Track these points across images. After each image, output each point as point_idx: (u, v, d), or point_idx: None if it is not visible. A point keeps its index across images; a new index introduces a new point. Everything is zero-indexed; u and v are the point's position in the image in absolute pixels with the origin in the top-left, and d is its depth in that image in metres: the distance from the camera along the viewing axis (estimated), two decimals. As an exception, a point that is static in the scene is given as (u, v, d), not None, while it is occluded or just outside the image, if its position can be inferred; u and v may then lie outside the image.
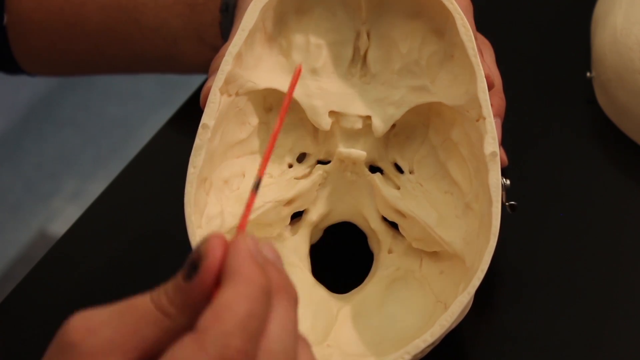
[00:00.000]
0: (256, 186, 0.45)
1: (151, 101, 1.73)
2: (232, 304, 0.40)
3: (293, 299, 0.42)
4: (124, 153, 1.63)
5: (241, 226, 0.44)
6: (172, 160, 0.72)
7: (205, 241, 0.42)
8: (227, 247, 0.42)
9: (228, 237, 0.42)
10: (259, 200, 0.63)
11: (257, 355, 0.40)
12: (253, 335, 0.40)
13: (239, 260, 0.41)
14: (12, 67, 0.79)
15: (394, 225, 0.65)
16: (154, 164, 0.76)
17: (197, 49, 0.73)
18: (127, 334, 0.41)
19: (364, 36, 0.65)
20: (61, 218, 1.62)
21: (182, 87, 1.27)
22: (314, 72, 0.65)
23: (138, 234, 0.71)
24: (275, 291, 0.42)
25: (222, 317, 0.40)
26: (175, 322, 0.41)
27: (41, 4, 0.74)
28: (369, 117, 0.64)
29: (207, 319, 0.40)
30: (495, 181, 0.58)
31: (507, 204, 0.60)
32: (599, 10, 0.75)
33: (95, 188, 1.47)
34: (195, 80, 0.79)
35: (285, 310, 0.42)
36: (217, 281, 0.41)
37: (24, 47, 0.77)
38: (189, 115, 0.70)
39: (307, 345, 0.43)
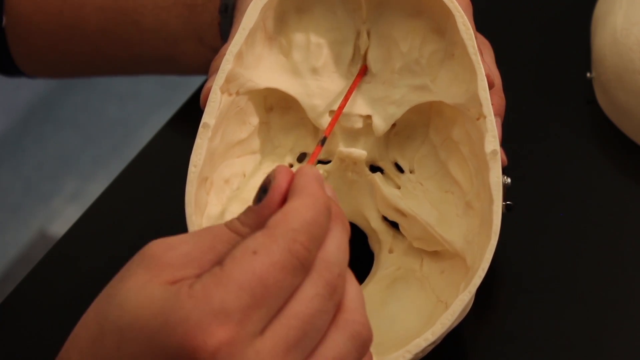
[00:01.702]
0: (322, 142, 0.53)
1: (151, 101, 1.73)
2: (299, 209, 0.45)
3: (347, 228, 0.47)
4: (124, 153, 1.62)
5: (310, 160, 0.51)
6: (172, 160, 0.72)
7: (273, 170, 0.46)
8: (293, 174, 0.46)
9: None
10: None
11: (314, 262, 0.45)
12: (315, 239, 0.45)
13: (306, 180, 0.46)
14: (11, 69, 0.79)
15: (394, 225, 0.65)
16: (154, 164, 0.76)
17: (197, 50, 0.73)
18: (203, 250, 0.45)
19: (364, 35, 0.65)
20: (61, 218, 1.62)
21: (182, 87, 1.27)
22: (315, 71, 0.65)
23: (138, 234, 0.71)
24: (334, 215, 0.46)
25: (290, 218, 0.44)
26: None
27: (40, 5, 0.74)
28: (369, 117, 0.64)
29: (277, 218, 0.45)
30: (496, 179, 0.58)
31: (503, 203, 0.60)
32: (599, 10, 0.75)
33: (95, 188, 1.47)
34: (195, 80, 0.79)
35: (340, 233, 0.46)
36: (284, 201, 0.46)
37: (23, 49, 0.77)
38: (189, 115, 0.70)
39: (351, 273, 0.47)
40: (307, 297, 0.44)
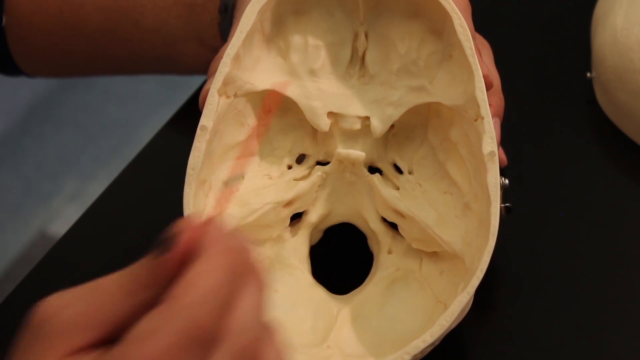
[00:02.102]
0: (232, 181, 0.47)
1: (151, 102, 1.73)
2: (199, 278, 0.41)
3: (260, 284, 0.43)
4: (124, 153, 1.63)
5: (217, 209, 0.45)
6: (172, 160, 0.72)
7: (177, 222, 0.42)
8: (198, 228, 0.42)
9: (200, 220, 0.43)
10: (258, 202, 0.63)
11: (226, 330, 0.41)
12: (220, 307, 0.41)
13: (212, 238, 0.42)
14: (11, 68, 0.79)
15: (393, 226, 0.65)
16: (154, 164, 0.76)
17: (197, 50, 0.73)
18: (99, 307, 0.41)
19: (362, 37, 0.65)
20: (61, 218, 1.62)
21: (182, 87, 1.27)
22: (313, 73, 0.65)
23: (138, 234, 0.71)
24: (244, 274, 0.42)
25: (190, 289, 0.40)
26: (144, 299, 0.42)
27: (40, 5, 0.74)
28: (367, 118, 0.64)
29: (176, 291, 0.40)
30: (494, 181, 0.58)
31: (502, 205, 0.60)
32: (599, 10, 0.75)
33: (95, 188, 1.47)
34: (195, 80, 0.79)
35: (253, 293, 0.42)
36: (186, 260, 0.42)
37: (23, 49, 0.77)
38: (189, 115, 0.70)
39: (272, 332, 0.43)
40: None
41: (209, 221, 0.42)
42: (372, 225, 0.65)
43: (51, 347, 0.40)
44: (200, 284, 0.41)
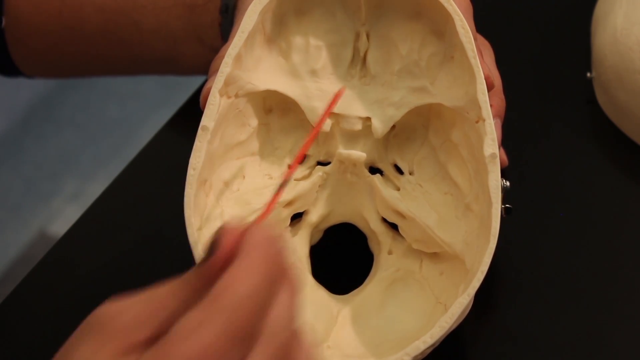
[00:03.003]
0: (282, 185, 0.51)
1: (151, 101, 1.73)
2: (241, 278, 0.43)
3: (296, 290, 0.45)
4: (124, 153, 1.62)
5: (260, 217, 0.48)
6: (172, 160, 0.72)
7: (221, 228, 0.45)
8: (241, 233, 0.45)
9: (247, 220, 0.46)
10: (259, 202, 0.63)
11: (262, 329, 0.43)
12: (259, 307, 0.43)
13: (253, 243, 0.44)
14: (10, 69, 0.79)
15: (394, 227, 0.65)
16: (154, 164, 0.76)
17: (197, 51, 0.73)
18: (154, 310, 0.44)
19: (364, 37, 0.65)
20: (61, 218, 1.62)
21: (182, 87, 1.27)
22: (314, 73, 0.65)
23: (138, 234, 0.71)
24: (279, 278, 0.45)
25: (232, 289, 0.43)
26: (194, 303, 0.44)
27: (39, 6, 0.74)
28: (368, 119, 0.64)
29: (218, 289, 0.43)
30: (495, 182, 0.58)
31: (502, 206, 0.60)
32: (599, 10, 0.75)
33: (95, 188, 1.47)
34: (195, 80, 0.79)
35: (287, 298, 0.45)
36: (228, 264, 0.44)
37: (23, 50, 0.77)
38: (189, 115, 0.70)
39: (302, 334, 0.46)
40: None
41: (250, 227, 0.45)
42: (373, 226, 0.65)
43: (106, 345, 0.43)
44: (241, 284, 0.43)
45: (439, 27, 0.63)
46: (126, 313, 0.44)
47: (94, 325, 0.44)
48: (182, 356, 0.42)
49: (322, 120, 0.61)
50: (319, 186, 0.65)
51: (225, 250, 0.44)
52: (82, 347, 0.43)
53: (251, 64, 0.63)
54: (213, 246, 0.45)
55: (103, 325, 0.43)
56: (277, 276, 0.45)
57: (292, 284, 0.45)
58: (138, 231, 0.71)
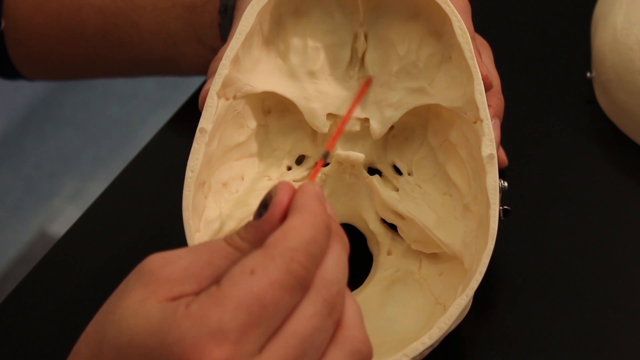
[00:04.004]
0: (324, 156, 0.54)
1: (151, 102, 1.73)
2: (299, 228, 0.45)
3: (346, 246, 0.47)
4: (124, 153, 1.63)
5: (312, 177, 0.51)
6: (172, 160, 0.72)
7: (275, 185, 0.47)
8: (294, 191, 0.47)
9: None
10: (257, 204, 0.63)
11: (313, 280, 0.45)
12: (314, 258, 0.45)
13: (307, 198, 0.46)
14: (10, 72, 0.79)
15: (393, 227, 0.65)
16: (154, 164, 0.76)
17: (196, 51, 0.73)
18: (201, 265, 0.45)
19: (362, 38, 0.65)
20: (61, 218, 1.62)
21: (181, 87, 1.27)
22: (312, 74, 0.65)
23: (138, 234, 0.71)
24: (334, 233, 0.46)
25: (289, 236, 0.45)
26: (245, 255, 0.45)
27: (39, 9, 0.74)
28: (367, 120, 0.64)
29: (276, 236, 0.45)
30: (493, 183, 0.58)
31: (500, 208, 0.60)
32: (599, 10, 0.75)
33: (95, 188, 1.47)
34: (195, 81, 0.79)
35: (339, 251, 0.46)
36: (283, 217, 0.46)
37: (22, 53, 0.77)
38: (189, 115, 0.70)
39: (350, 298, 0.47)
40: (306, 316, 0.44)
41: (303, 186, 0.47)
42: (372, 226, 0.65)
43: (155, 292, 0.44)
44: (300, 232, 0.45)
45: (437, 28, 0.63)
46: (175, 264, 0.44)
47: (144, 274, 0.45)
48: (236, 299, 0.43)
49: (352, 109, 0.62)
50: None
51: (282, 204, 0.46)
52: (133, 292, 0.44)
53: (249, 66, 0.63)
54: (266, 202, 0.46)
55: (153, 274, 0.44)
56: (330, 230, 0.46)
57: (343, 240, 0.47)
58: (138, 231, 0.71)
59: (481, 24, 0.65)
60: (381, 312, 0.62)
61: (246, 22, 0.61)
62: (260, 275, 0.43)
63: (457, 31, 0.60)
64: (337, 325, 0.46)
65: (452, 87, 0.62)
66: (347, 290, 0.47)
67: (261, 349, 0.43)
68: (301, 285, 0.44)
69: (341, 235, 0.47)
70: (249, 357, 0.43)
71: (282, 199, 0.46)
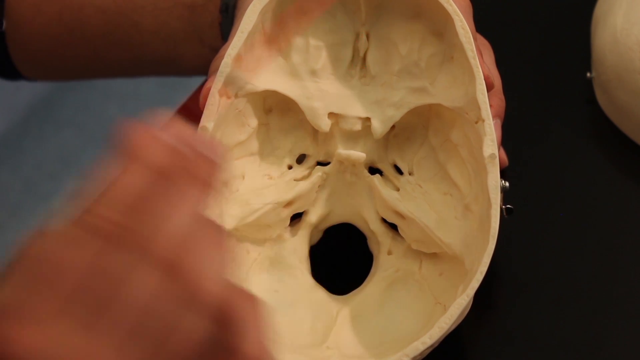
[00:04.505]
0: None
1: (151, 101, 1.73)
2: (118, 181, 0.40)
3: (203, 186, 0.41)
4: (124, 153, 1.62)
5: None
6: (171, 160, 0.72)
7: (124, 124, 0.42)
8: (135, 132, 0.41)
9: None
10: (258, 202, 0.63)
11: (152, 237, 0.39)
12: (135, 211, 0.40)
13: (138, 142, 0.41)
14: (11, 72, 0.78)
15: (393, 227, 0.65)
16: (154, 165, 0.76)
17: (197, 51, 0.73)
18: None
19: (364, 37, 0.65)
20: (61, 218, 1.62)
21: (181, 87, 1.27)
22: (314, 73, 0.64)
23: (138, 234, 0.71)
24: (183, 177, 0.41)
25: (106, 192, 0.40)
26: None
27: (40, 9, 0.74)
28: (368, 119, 0.64)
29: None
30: (494, 183, 0.58)
31: (503, 207, 0.60)
32: (599, 10, 0.75)
33: (95, 188, 1.47)
34: (194, 80, 0.79)
35: (188, 196, 0.41)
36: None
37: (23, 53, 0.76)
38: (189, 115, 0.70)
39: (220, 232, 0.42)
40: (140, 286, 0.39)
41: (152, 126, 0.41)
42: (372, 226, 0.65)
43: None
44: (117, 186, 0.40)
45: (439, 28, 0.63)
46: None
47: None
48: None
49: None
50: (319, 186, 0.65)
51: (123, 150, 0.41)
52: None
53: (251, 64, 0.63)
54: (114, 145, 0.41)
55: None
56: (175, 174, 0.41)
57: (201, 180, 0.41)
58: (138, 231, 0.71)
59: (482, 24, 0.65)
60: (381, 311, 0.62)
61: (248, 20, 0.61)
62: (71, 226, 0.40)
63: (460, 31, 0.60)
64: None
65: (453, 86, 0.62)
66: (214, 233, 0.41)
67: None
68: (124, 245, 0.39)
69: (197, 175, 0.41)
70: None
71: (125, 145, 0.41)
